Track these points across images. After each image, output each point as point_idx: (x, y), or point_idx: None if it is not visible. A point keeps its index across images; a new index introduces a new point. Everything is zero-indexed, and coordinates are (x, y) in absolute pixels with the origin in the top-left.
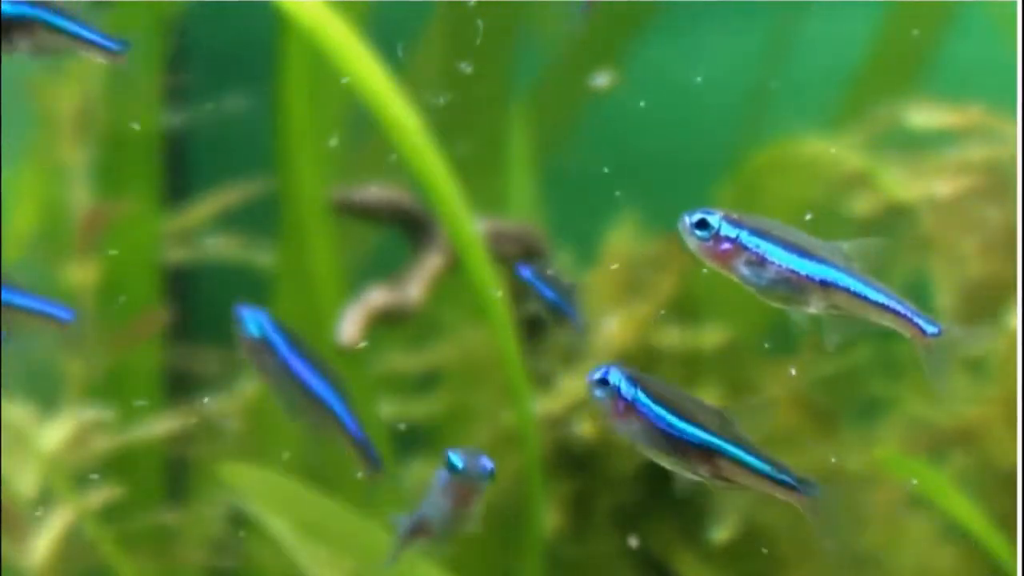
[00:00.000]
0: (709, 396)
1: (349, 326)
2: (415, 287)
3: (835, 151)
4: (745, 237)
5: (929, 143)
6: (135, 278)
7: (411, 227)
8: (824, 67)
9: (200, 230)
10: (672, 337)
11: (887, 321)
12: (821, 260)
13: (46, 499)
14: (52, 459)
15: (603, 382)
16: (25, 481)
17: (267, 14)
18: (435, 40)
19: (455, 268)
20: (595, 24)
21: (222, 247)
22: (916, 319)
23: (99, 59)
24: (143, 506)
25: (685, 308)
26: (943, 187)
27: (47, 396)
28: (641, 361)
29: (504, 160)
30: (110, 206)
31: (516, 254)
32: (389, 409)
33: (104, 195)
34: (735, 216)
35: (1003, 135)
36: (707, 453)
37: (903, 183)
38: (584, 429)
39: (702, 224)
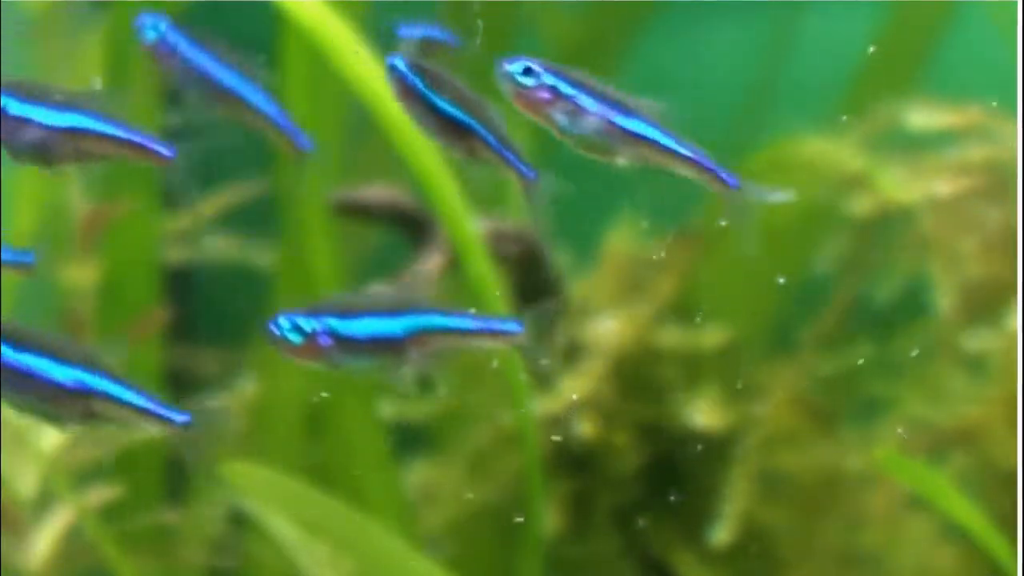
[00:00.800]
0: (709, 396)
1: None
2: (415, 287)
3: (835, 151)
4: (563, 87)
5: (929, 143)
6: (135, 278)
7: (411, 227)
8: (824, 67)
9: (200, 230)
10: (672, 337)
11: (692, 173)
12: (633, 114)
13: (46, 499)
14: (52, 459)
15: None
16: (25, 481)
17: (267, 14)
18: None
19: (455, 268)
20: (595, 23)
21: (222, 247)
22: (720, 172)
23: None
24: (143, 506)
25: (685, 308)
26: (943, 187)
27: None
28: (641, 361)
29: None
30: (110, 206)
31: (516, 254)
32: (389, 409)
33: (104, 195)
34: (553, 66)
35: (1003, 135)
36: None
37: (902, 183)
38: (584, 429)
39: (527, 71)
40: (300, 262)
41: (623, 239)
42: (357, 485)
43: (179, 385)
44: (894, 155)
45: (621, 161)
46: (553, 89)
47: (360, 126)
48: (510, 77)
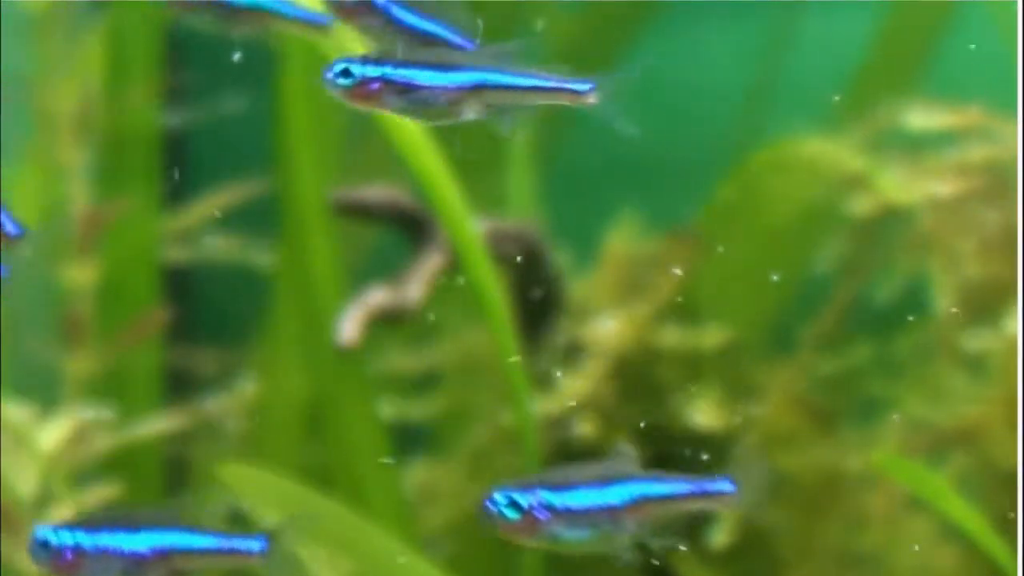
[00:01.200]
0: (709, 396)
1: (349, 326)
2: (415, 287)
3: (835, 151)
4: (389, 71)
5: (929, 143)
6: (135, 278)
7: (411, 227)
8: (824, 67)
9: (200, 230)
10: (672, 337)
11: (544, 99)
12: (466, 67)
13: (46, 499)
14: (51, 459)
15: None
16: (25, 481)
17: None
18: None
19: (455, 268)
20: (595, 23)
21: (222, 247)
22: (567, 85)
23: None
24: (143, 506)
25: (685, 308)
26: (942, 188)
27: (47, 396)
28: (641, 361)
29: (504, 160)
30: (110, 206)
31: (516, 254)
32: (389, 409)
33: (104, 195)
34: (372, 56)
35: (1003, 135)
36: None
37: (902, 184)
38: (584, 429)
39: (345, 72)
40: (300, 262)
41: (623, 239)
42: (357, 485)
43: (179, 385)
44: (894, 155)
45: (471, 115)
46: (380, 78)
47: (360, 126)
48: (332, 83)
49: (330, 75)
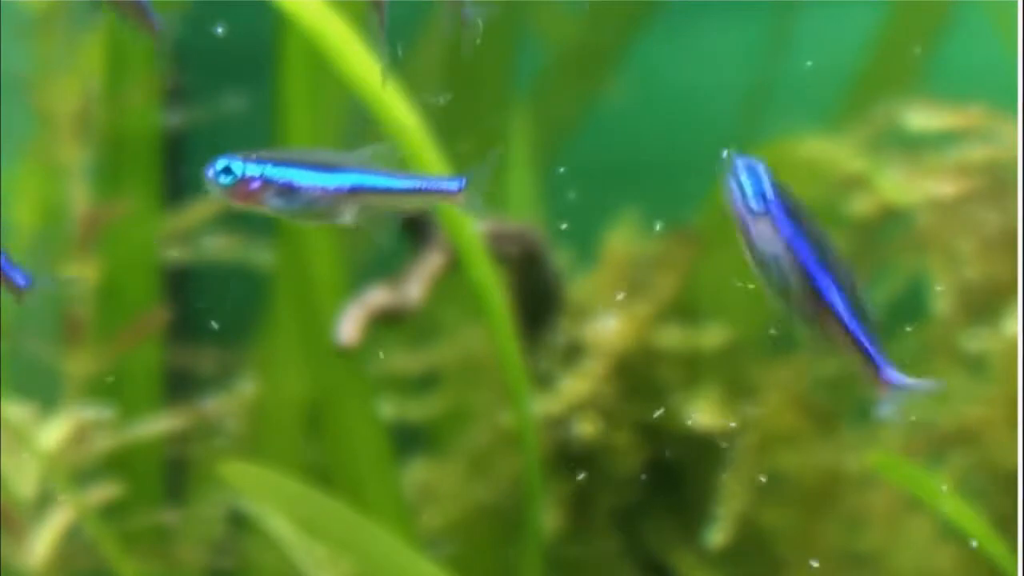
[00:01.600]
0: (709, 396)
1: (349, 326)
2: (415, 287)
3: (835, 151)
4: (270, 171)
5: (929, 144)
6: (135, 278)
7: (411, 227)
8: (824, 66)
9: (199, 230)
10: (672, 337)
11: (419, 202)
12: (344, 170)
13: (46, 499)
14: (51, 459)
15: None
16: (25, 481)
17: (267, 14)
18: (435, 40)
19: (455, 268)
20: (595, 23)
21: (221, 247)
22: (439, 185)
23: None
24: (143, 506)
25: (685, 308)
26: (942, 188)
27: (46, 396)
28: (641, 361)
29: (504, 160)
30: (110, 206)
31: (516, 254)
32: (389, 409)
33: (104, 195)
34: (254, 154)
35: (1003, 136)
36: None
37: (901, 184)
38: (584, 429)
39: (226, 171)
40: (300, 262)
41: (623, 239)
42: (357, 485)
43: (179, 385)
44: (894, 155)
45: (347, 219)
46: (260, 178)
47: (360, 126)
48: (213, 180)
49: (211, 173)
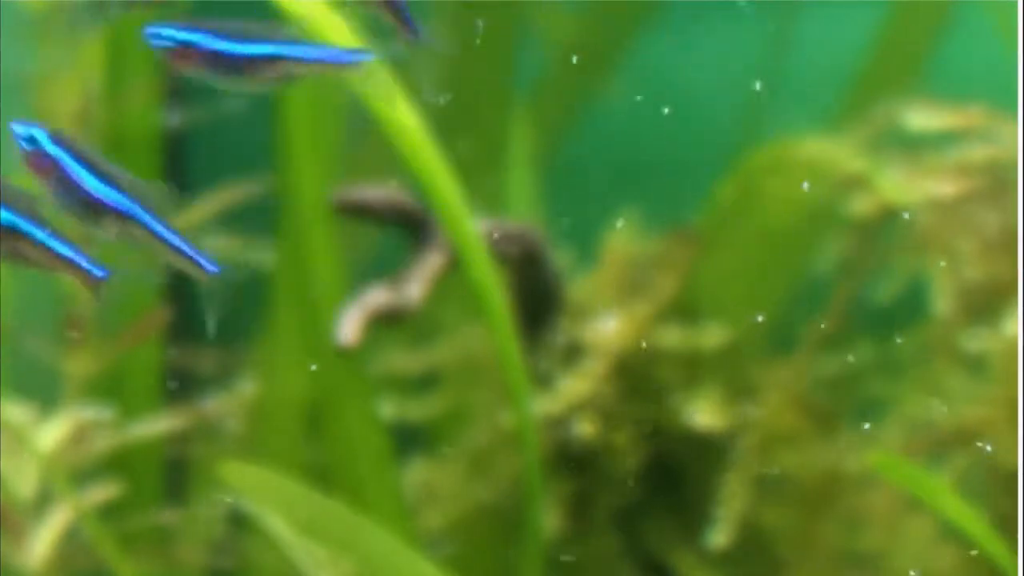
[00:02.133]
0: (709, 396)
1: (349, 326)
2: (415, 287)
3: (835, 151)
4: (64, 158)
5: (929, 144)
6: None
7: (411, 227)
8: (824, 67)
9: (200, 230)
10: (672, 337)
11: (174, 259)
12: (125, 192)
13: (45, 499)
14: (51, 459)
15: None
16: (25, 481)
17: (266, 13)
18: (435, 39)
19: (455, 268)
20: (595, 23)
21: (222, 247)
22: (199, 259)
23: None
24: (142, 506)
25: (685, 308)
26: (942, 188)
27: (46, 396)
28: (641, 361)
29: (504, 160)
30: None
31: (516, 254)
32: (389, 409)
33: None
34: (62, 137)
35: (1003, 136)
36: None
37: (902, 184)
38: (584, 429)
39: (31, 139)
40: (300, 262)
41: (623, 239)
42: (357, 485)
43: (179, 385)
44: (894, 155)
45: (112, 237)
46: (53, 158)
47: (360, 126)
48: (19, 140)
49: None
